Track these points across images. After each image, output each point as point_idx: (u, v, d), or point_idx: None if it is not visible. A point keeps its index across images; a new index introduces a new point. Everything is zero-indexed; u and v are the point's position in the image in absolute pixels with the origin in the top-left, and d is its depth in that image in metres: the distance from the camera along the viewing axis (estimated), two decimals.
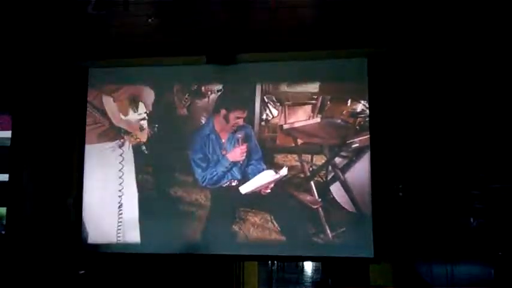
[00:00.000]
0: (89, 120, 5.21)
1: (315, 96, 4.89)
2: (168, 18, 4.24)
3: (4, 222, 5.28)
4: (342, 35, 4.61)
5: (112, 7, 3.41)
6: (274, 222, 4.80)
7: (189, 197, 4.96)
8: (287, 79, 4.94)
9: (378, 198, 4.69)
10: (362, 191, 4.71)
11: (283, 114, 4.91)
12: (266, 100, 4.96)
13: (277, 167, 4.86)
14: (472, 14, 4.04)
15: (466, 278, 4.52)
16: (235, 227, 4.85)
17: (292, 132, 4.88)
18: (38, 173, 5.10)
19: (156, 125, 5.12)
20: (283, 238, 4.79)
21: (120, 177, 5.08)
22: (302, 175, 4.82)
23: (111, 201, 5.07)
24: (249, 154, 4.91)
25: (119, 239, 5.01)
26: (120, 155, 5.11)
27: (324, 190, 4.77)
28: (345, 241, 4.68)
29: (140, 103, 5.16)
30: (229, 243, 4.85)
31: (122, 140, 5.13)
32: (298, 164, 4.83)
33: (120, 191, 5.07)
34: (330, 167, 4.79)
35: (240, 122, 4.94)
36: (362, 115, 4.82)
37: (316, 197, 4.77)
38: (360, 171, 4.74)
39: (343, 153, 4.79)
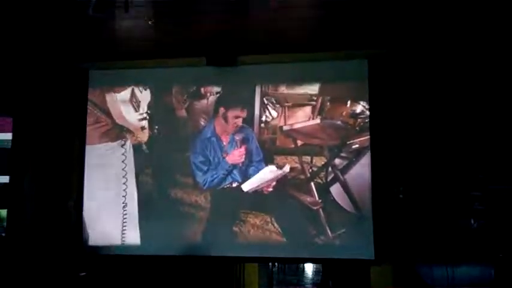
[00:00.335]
0: (90, 119, 5.22)
1: (315, 98, 4.89)
2: (168, 20, 4.24)
3: (5, 224, 5.29)
4: (342, 36, 4.61)
5: (112, 9, 3.41)
6: (275, 224, 4.80)
7: (189, 198, 4.96)
8: (287, 80, 4.95)
9: (379, 199, 4.69)
10: (362, 192, 4.71)
11: (283, 116, 4.92)
12: (266, 102, 4.96)
13: (277, 168, 4.86)
14: (471, 15, 4.04)
15: (466, 279, 4.52)
16: (236, 229, 4.85)
17: (292, 134, 4.88)
18: (39, 175, 5.11)
19: (157, 126, 5.13)
20: (284, 239, 4.79)
21: (120, 178, 5.09)
22: (302, 176, 4.82)
23: (111, 203, 5.08)
24: (249, 156, 4.91)
25: (118, 240, 5.00)
26: (122, 154, 5.11)
27: (324, 191, 4.77)
28: (345, 242, 4.67)
29: (141, 104, 5.17)
30: (230, 244, 4.84)
31: (123, 140, 5.14)
32: (298, 165, 4.83)
33: (120, 192, 5.07)
34: (329, 168, 4.79)
35: (239, 122, 4.94)
36: (362, 116, 4.82)
37: (317, 198, 4.77)
38: (360, 172, 4.74)
39: (343, 154, 4.80)
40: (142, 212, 5.02)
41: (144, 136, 5.13)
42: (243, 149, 4.91)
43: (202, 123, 5.06)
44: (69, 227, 5.09)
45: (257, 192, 4.87)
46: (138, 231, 5.00)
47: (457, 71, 4.77)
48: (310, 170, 4.83)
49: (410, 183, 4.75)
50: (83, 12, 3.42)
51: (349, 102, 4.85)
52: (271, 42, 4.71)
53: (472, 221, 4.66)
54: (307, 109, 4.90)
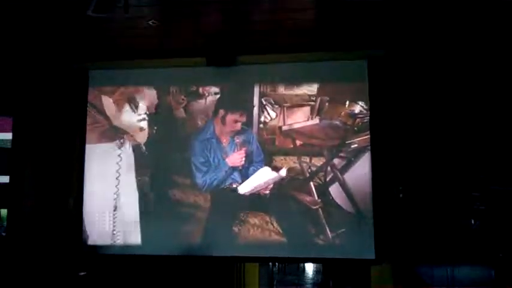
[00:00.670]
0: (88, 120, 5.22)
1: (313, 98, 4.89)
2: (167, 21, 4.24)
3: (5, 223, 5.29)
4: (342, 37, 4.61)
5: (112, 10, 3.41)
6: (274, 224, 4.80)
7: (189, 198, 4.96)
8: (286, 81, 4.94)
9: (379, 199, 4.69)
10: (361, 192, 4.71)
11: (282, 116, 4.92)
12: (264, 102, 4.96)
13: (276, 169, 4.86)
14: (471, 15, 4.04)
15: (466, 279, 4.52)
16: (236, 229, 4.84)
17: (291, 134, 4.88)
18: (39, 175, 5.11)
19: (156, 127, 5.13)
20: (284, 239, 4.78)
21: (119, 178, 5.09)
22: (301, 176, 4.82)
23: (111, 202, 5.07)
24: (250, 157, 4.91)
25: (118, 240, 5.01)
26: (119, 156, 5.11)
27: (323, 191, 4.77)
28: (345, 242, 4.67)
29: (140, 104, 5.17)
30: (230, 244, 4.84)
31: (121, 140, 5.14)
32: (297, 165, 4.83)
33: (120, 192, 5.08)
34: (328, 168, 4.79)
35: (238, 126, 4.93)
36: (360, 116, 4.82)
37: (316, 198, 4.77)
38: (359, 172, 4.74)
39: (341, 154, 4.79)
40: (142, 212, 5.01)
41: (143, 136, 5.13)
42: (242, 152, 4.91)
43: (201, 123, 5.06)
44: (69, 227, 5.09)
45: (256, 194, 4.87)
46: (138, 230, 5.00)
47: (457, 71, 4.77)
48: (309, 170, 4.82)
49: (410, 183, 4.75)
50: (83, 13, 3.41)
51: (347, 102, 4.84)
52: (271, 42, 4.72)
53: (472, 221, 4.66)
54: (306, 109, 4.89)
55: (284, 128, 4.91)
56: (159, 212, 4.98)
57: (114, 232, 5.03)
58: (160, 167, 5.07)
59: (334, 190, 4.75)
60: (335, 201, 4.73)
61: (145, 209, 5.02)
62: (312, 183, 4.80)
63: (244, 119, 4.94)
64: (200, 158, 4.98)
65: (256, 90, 4.98)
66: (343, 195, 4.72)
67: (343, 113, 4.85)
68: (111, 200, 5.07)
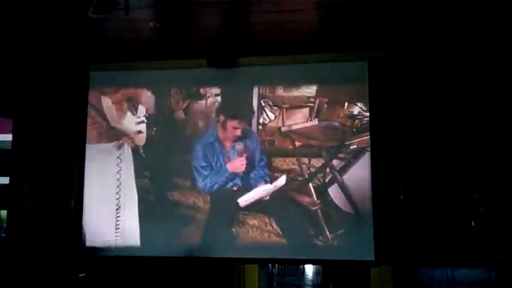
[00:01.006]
0: (89, 120, 5.22)
1: (312, 99, 4.89)
2: (168, 22, 4.24)
3: (5, 225, 5.28)
4: (342, 38, 4.62)
5: (113, 11, 3.41)
6: (274, 225, 4.80)
7: (188, 200, 4.96)
8: (286, 82, 4.95)
9: (379, 201, 4.69)
10: (360, 193, 4.71)
11: (281, 117, 4.92)
12: (263, 104, 4.96)
13: (275, 171, 4.85)
14: (471, 17, 4.04)
15: (466, 281, 4.52)
16: (235, 230, 4.84)
17: (290, 135, 4.88)
18: (39, 176, 5.11)
19: (155, 128, 5.13)
20: (283, 240, 4.78)
21: (119, 180, 5.08)
22: (300, 178, 4.82)
23: (110, 204, 5.07)
24: (252, 162, 4.89)
25: (117, 241, 5.00)
26: (119, 157, 5.11)
27: (322, 192, 4.77)
28: (344, 243, 4.67)
29: (140, 106, 5.17)
30: (229, 246, 4.84)
31: (120, 142, 5.13)
32: (296, 166, 4.83)
33: (119, 193, 5.07)
34: (327, 169, 4.79)
35: (238, 132, 4.91)
36: (359, 117, 4.82)
37: (315, 199, 4.77)
38: (358, 173, 4.74)
39: (340, 155, 4.80)
40: (141, 213, 5.01)
41: (143, 138, 5.13)
42: (243, 159, 4.89)
43: (202, 126, 5.05)
44: (68, 228, 5.09)
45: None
46: (137, 232, 4.99)
47: (457, 72, 4.77)
48: (309, 171, 4.82)
49: (410, 184, 4.75)
50: (84, 14, 3.41)
51: (346, 103, 4.85)
52: (272, 44, 4.72)
53: (473, 223, 4.66)
54: (305, 111, 4.89)
55: (283, 129, 4.91)
56: (158, 214, 4.98)
57: (114, 233, 5.02)
58: (160, 169, 5.06)
59: (333, 191, 4.75)
60: (334, 202, 4.73)
61: (145, 211, 5.01)
62: (311, 184, 4.80)
63: (243, 125, 4.92)
64: (202, 162, 4.97)
65: (256, 91, 4.98)
66: (342, 196, 4.72)
67: (341, 114, 4.85)
68: (111, 201, 5.07)
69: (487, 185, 4.65)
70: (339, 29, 4.42)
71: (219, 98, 5.05)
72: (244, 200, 4.85)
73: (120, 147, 5.13)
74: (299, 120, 4.89)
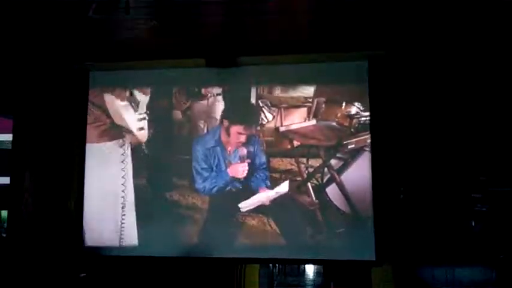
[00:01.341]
0: (89, 118, 5.22)
1: (310, 99, 4.89)
2: (168, 22, 4.24)
3: (5, 225, 5.28)
4: (342, 38, 4.61)
5: (113, 11, 3.41)
6: (272, 225, 4.80)
7: (187, 200, 4.95)
8: (285, 82, 4.94)
9: (379, 201, 4.68)
10: (359, 193, 4.70)
11: (279, 117, 4.91)
12: (262, 104, 4.95)
13: (274, 171, 4.84)
14: (471, 16, 4.04)
15: (467, 281, 4.52)
16: (234, 230, 4.84)
17: (288, 135, 4.87)
18: (39, 176, 5.11)
19: (155, 128, 5.12)
20: (282, 240, 4.77)
21: (119, 178, 5.08)
22: (299, 178, 4.82)
23: (111, 203, 5.06)
24: (253, 165, 4.87)
25: (118, 242, 5.00)
26: (119, 156, 5.10)
27: (320, 192, 4.76)
28: (344, 243, 4.67)
29: (140, 105, 5.17)
30: (228, 246, 4.83)
31: (122, 140, 5.13)
32: (294, 166, 4.83)
33: (119, 192, 5.06)
34: (326, 169, 4.79)
35: (242, 138, 4.87)
36: (357, 117, 4.82)
37: (314, 199, 4.76)
38: (356, 172, 4.74)
39: (338, 155, 4.79)
40: (140, 213, 5.01)
41: (143, 137, 5.12)
42: (245, 164, 4.87)
43: (203, 127, 5.04)
44: (69, 228, 5.09)
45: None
46: (136, 232, 4.99)
47: (458, 72, 4.77)
48: (307, 171, 4.82)
49: (411, 184, 4.75)
50: (84, 14, 3.42)
51: (344, 103, 4.84)
52: (271, 43, 4.71)
53: (473, 223, 4.66)
54: (303, 110, 4.89)
55: (281, 129, 4.90)
56: (157, 213, 4.97)
57: (114, 233, 5.02)
58: (160, 168, 5.06)
59: (331, 191, 4.75)
60: (332, 202, 4.72)
61: (144, 210, 5.01)
62: (309, 184, 4.80)
63: (248, 132, 4.89)
64: (202, 164, 4.95)
65: (258, 90, 4.98)
66: (341, 196, 4.72)
67: (339, 114, 4.85)
68: (112, 200, 5.07)
69: (487, 184, 4.64)
70: (338, 29, 4.42)
71: (220, 98, 5.04)
72: (245, 206, 4.84)
73: (121, 145, 5.13)
74: (297, 120, 4.89)
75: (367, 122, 4.80)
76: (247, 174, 4.86)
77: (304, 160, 4.83)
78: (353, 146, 4.78)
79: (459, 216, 4.65)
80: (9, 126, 5.33)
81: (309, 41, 4.70)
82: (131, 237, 4.99)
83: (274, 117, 4.92)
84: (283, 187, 4.81)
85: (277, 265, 6.72)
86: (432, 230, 4.62)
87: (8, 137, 5.28)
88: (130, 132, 5.13)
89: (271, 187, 4.84)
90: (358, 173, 4.73)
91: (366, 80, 4.82)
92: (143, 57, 5.02)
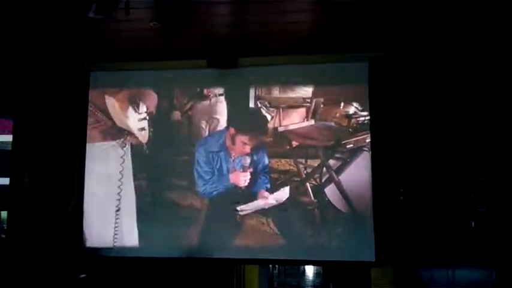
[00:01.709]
0: (91, 119, 5.21)
1: (308, 100, 4.89)
2: (168, 22, 4.25)
3: (5, 226, 5.27)
4: (342, 39, 4.62)
5: (113, 11, 3.41)
6: (271, 225, 4.79)
7: (186, 201, 4.94)
8: (285, 83, 4.94)
9: (379, 201, 4.68)
10: (357, 193, 4.70)
11: (277, 117, 4.91)
12: (260, 104, 4.96)
13: (272, 172, 4.84)
14: (471, 17, 4.05)
15: (467, 281, 4.52)
16: (233, 230, 4.83)
17: (287, 135, 4.87)
18: (39, 177, 5.10)
19: (156, 129, 5.11)
20: (281, 240, 4.77)
21: (119, 179, 5.08)
22: (297, 178, 4.82)
23: (111, 204, 5.06)
24: (255, 173, 4.86)
25: (118, 242, 4.99)
26: (119, 157, 5.10)
27: (319, 192, 4.76)
28: (343, 244, 4.66)
29: (141, 105, 5.17)
30: (227, 246, 4.83)
31: (123, 140, 5.12)
32: (293, 167, 4.83)
33: (119, 193, 5.06)
34: (324, 169, 4.79)
35: (247, 149, 4.84)
36: (355, 117, 4.82)
37: (313, 199, 4.76)
38: (355, 172, 4.74)
39: (337, 155, 4.79)
40: (140, 214, 5.00)
41: (143, 138, 5.12)
42: (247, 174, 4.85)
43: (206, 128, 5.02)
44: (69, 229, 5.08)
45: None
46: (135, 233, 4.98)
47: (457, 73, 4.78)
48: (305, 171, 4.83)
49: (410, 185, 4.75)
50: (84, 14, 3.41)
51: (342, 103, 4.85)
52: (272, 45, 4.72)
53: (473, 223, 4.66)
54: (302, 111, 4.89)
55: (280, 129, 4.90)
56: (157, 214, 4.97)
57: (115, 234, 5.02)
58: (159, 169, 5.05)
59: (330, 191, 4.75)
60: (331, 202, 4.73)
61: (143, 211, 5.00)
62: (308, 185, 4.80)
63: (253, 143, 4.86)
64: (205, 167, 4.94)
65: (257, 90, 4.98)
66: (339, 196, 4.72)
67: (338, 114, 4.85)
68: (111, 201, 5.06)
69: (486, 185, 4.65)
70: (338, 30, 4.43)
71: (222, 98, 5.04)
72: (243, 210, 4.83)
73: (122, 146, 5.13)
74: (296, 120, 4.89)
75: (366, 121, 4.81)
76: (249, 183, 4.85)
77: (302, 160, 4.83)
78: (351, 145, 4.78)
79: (459, 217, 4.65)
80: (9, 127, 5.32)
81: (309, 43, 4.71)
82: (131, 238, 4.98)
83: (272, 117, 4.92)
84: (284, 194, 4.79)
85: (276, 266, 6.71)
86: (432, 231, 4.62)
87: (8, 137, 5.27)
88: (130, 132, 5.13)
89: (271, 189, 4.83)
90: (357, 173, 4.73)
91: (365, 81, 4.83)
92: (143, 57, 5.03)
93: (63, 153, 5.20)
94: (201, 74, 5.05)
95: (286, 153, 4.87)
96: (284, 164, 4.85)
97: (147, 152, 5.10)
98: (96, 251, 5.02)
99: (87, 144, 5.17)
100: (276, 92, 4.97)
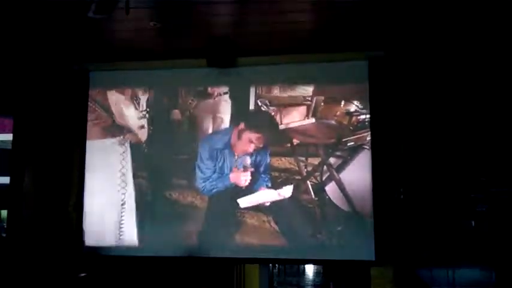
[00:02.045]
0: (91, 116, 5.22)
1: (309, 98, 4.90)
2: (168, 22, 4.24)
3: (5, 224, 5.28)
4: (342, 38, 4.62)
5: (113, 11, 3.40)
6: (272, 223, 4.80)
7: (186, 199, 4.95)
8: (285, 82, 4.95)
9: (379, 201, 4.68)
10: (358, 191, 4.71)
11: (278, 115, 4.91)
12: (260, 103, 4.95)
13: (273, 170, 4.85)
14: (471, 16, 4.04)
15: (467, 281, 4.52)
16: (234, 229, 4.84)
17: (288, 133, 4.88)
18: (39, 176, 5.11)
19: (156, 127, 5.12)
20: (283, 239, 4.78)
21: (119, 177, 5.09)
22: (298, 176, 4.83)
23: (110, 203, 5.07)
24: (257, 174, 4.87)
25: (118, 241, 5.00)
26: (121, 154, 5.11)
27: (320, 190, 4.77)
28: (344, 242, 4.67)
29: (141, 104, 5.17)
30: (227, 245, 4.84)
31: (123, 137, 5.13)
32: (294, 165, 4.84)
33: (119, 191, 5.07)
34: (325, 167, 4.79)
35: (251, 148, 4.85)
36: (356, 115, 4.82)
37: (313, 197, 4.77)
38: (355, 171, 4.75)
39: (337, 153, 4.80)
40: (139, 212, 5.02)
41: (143, 135, 5.13)
42: (248, 174, 4.86)
43: (208, 126, 5.02)
44: (69, 228, 5.09)
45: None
46: (135, 232, 4.99)
47: (457, 72, 4.77)
48: (306, 170, 4.83)
49: (411, 184, 4.74)
50: (84, 14, 3.41)
51: (343, 102, 4.86)
52: (272, 44, 4.72)
53: (473, 223, 4.65)
54: (303, 109, 4.90)
55: (281, 127, 4.91)
56: (156, 213, 4.98)
57: (114, 233, 5.02)
58: (159, 167, 5.06)
59: (331, 189, 4.76)
60: (331, 201, 4.73)
61: (143, 209, 5.02)
62: (309, 183, 4.80)
63: (259, 143, 4.87)
64: (207, 163, 4.95)
65: (257, 90, 4.98)
66: (340, 194, 4.73)
67: (338, 113, 4.86)
68: (111, 200, 5.08)
69: (487, 185, 4.64)
70: (339, 29, 4.42)
71: (227, 97, 5.04)
72: (244, 202, 4.84)
73: (122, 143, 5.13)
74: (296, 118, 4.89)
75: (366, 119, 4.81)
76: (250, 182, 4.85)
77: (303, 158, 4.84)
78: (352, 143, 4.79)
79: (459, 216, 4.65)
80: (10, 126, 5.32)
81: (309, 42, 4.70)
82: (131, 236, 5.00)
83: (275, 114, 4.93)
84: (287, 191, 4.80)
85: (277, 265, 6.72)
86: (432, 230, 4.62)
87: (8, 136, 5.27)
88: (130, 130, 5.14)
89: (271, 187, 4.84)
90: (357, 171, 4.74)
91: (366, 80, 4.84)
92: (143, 57, 5.03)
93: (63, 152, 5.21)
94: (201, 73, 5.06)
95: (287, 152, 4.87)
96: (285, 162, 4.86)
97: (148, 149, 5.10)
98: (96, 249, 5.02)
99: (90, 142, 5.18)
100: (276, 91, 4.98)
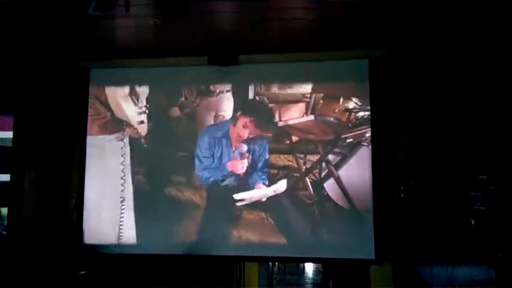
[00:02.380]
0: (90, 111, 5.24)
1: (308, 95, 4.92)
2: (168, 19, 4.24)
3: (5, 222, 5.28)
4: (343, 37, 4.62)
5: (113, 8, 3.40)
6: (270, 220, 4.80)
7: (185, 196, 4.97)
8: (285, 80, 4.97)
9: (379, 199, 4.69)
10: (356, 189, 4.73)
11: (277, 112, 4.93)
12: (259, 99, 4.97)
13: (272, 167, 4.86)
14: (471, 15, 4.04)
15: (466, 279, 4.52)
16: (232, 226, 4.86)
17: (287, 129, 4.90)
18: (40, 174, 5.12)
19: (155, 123, 5.14)
20: (281, 237, 4.80)
21: (118, 174, 5.10)
22: (297, 173, 4.84)
23: (110, 200, 5.09)
24: (254, 164, 4.90)
25: (118, 239, 5.01)
26: (120, 150, 5.12)
27: (318, 187, 4.79)
28: (343, 240, 4.69)
29: (141, 100, 5.18)
30: (225, 242, 4.85)
31: (122, 133, 5.14)
32: (292, 162, 4.85)
33: (118, 189, 5.09)
34: (323, 164, 4.81)
35: (245, 133, 4.91)
36: (355, 111, 4.85)
37: (312, 194, 4.78)
38: (354, 167, 4.77)
39: (336, 150, 4.83)
40: (138, 209, 5.03)
41: (142, 131, 5.14)
42: (244, 161, 4.89)
43: (210, 119, 5.05)
44: (69, 226, 5.09)
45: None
46: (134, 229, 5.00)
47: (458, 71, 4.78)
48: (305, 167, 4.83)
49: (410, 182, 4.75)
50: (84, 11, 3.41)
51: (341, 99, 4.88)
52: (273, 42, 4.71)
53: (473, 221, 4.65)
54: (302, 106, 4.92)
55: (280, 124, 4.91)
56: (155, 210, 4.99)
57: (113, 230, 5.03)
58: (158, 163, 5.07)
59: (329, 186, 4.78)
60: (330, 197, 4.75)
61: (142, 207, 5.03)
62: (307, 179, 4.82)
63: (253, 129, 4.92)
64: (205, 152, 4.97)
65: (256, 88, 5.01)
66: (339, 191, 4.75)
67: (337, 110, 4.88)
68: (111, 197, 5.09)
69: (486, 183, 4.64)
70: (339, 27, 4.42)
71: (229, 94, 5.05)
72: (240, 198, 4.86)
73: (121, 139, 5.13)
74: (295, 115, 4.91)
75: (365, 116, 4.84)
76: (246, 170, 4.87)
77: (302, 155, 4.85)
78: (351, 140, 4.81)
79: (458, 215, 4.64)
80: (10, 124, 5.32)
81: (309, 41, 4.70)
82: (130, 234, 5.01)
83: (274, 111, 4.95)
84: (281, 185, 4.82)
85: (276, 263, 6.71)
86: (432, 229, 4.62)
87: (9, 134, 5.27)
88: (130, 126, 5.14)
89: (268, 185, 4.86)
90: (356, 168, 4.77)
91: (365, 77, 4.85)
92: (144, 55, 5.03)
93: (64, 150, 5.22)
94: (201, 70, 5.06)
95: (285, 148, 4.88)
96: (283, 159, 4.86)
97: (144, 147, 5.11)
98: (96, 247, 5.03)
99: (90, 137, 5.20)
100: (275, 89, 4.98)
